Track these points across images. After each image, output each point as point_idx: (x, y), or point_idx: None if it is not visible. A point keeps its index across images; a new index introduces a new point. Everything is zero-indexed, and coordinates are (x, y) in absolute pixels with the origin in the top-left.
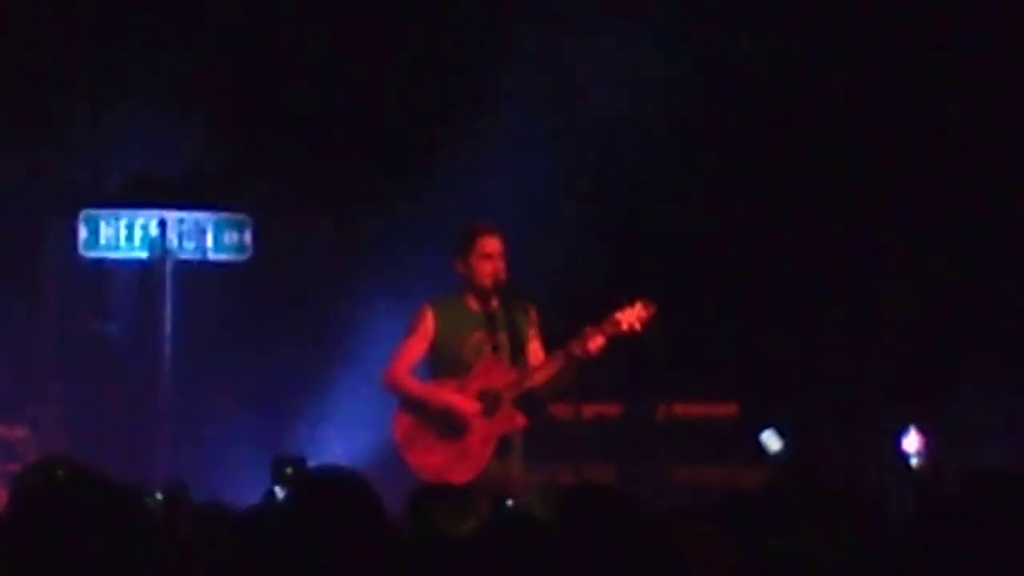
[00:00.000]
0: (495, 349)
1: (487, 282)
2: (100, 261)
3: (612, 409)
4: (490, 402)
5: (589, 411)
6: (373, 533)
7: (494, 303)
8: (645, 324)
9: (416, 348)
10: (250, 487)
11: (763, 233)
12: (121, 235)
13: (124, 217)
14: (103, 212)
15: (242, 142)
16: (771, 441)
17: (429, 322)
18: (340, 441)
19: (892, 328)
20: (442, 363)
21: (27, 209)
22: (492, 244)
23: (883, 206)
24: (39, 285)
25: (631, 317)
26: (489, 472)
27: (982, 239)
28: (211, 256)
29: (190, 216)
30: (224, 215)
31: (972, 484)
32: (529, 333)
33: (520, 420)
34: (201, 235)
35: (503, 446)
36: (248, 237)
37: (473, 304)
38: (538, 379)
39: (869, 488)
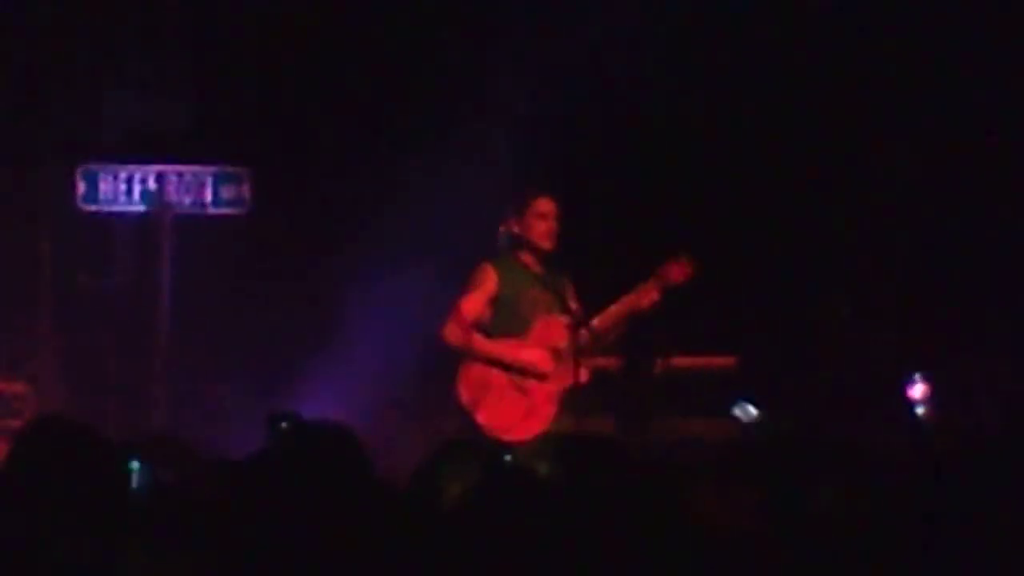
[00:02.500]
0: (548, 306)
1: (543, 241)
2: (98, 215)
3: (611, 363)
4: (554, 359)
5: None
6: (358, 486)
7: (542, 265)
8: (688, 277)
9: (477, 304)
10: (247, 442)
11: (764, 186)
12: (120, 189)
13: (123, 171)
14: (102, 166)
15: (241, 96)
16: (744, 412)
17: (491, 279)
18: (337, 397)
19: (894, 279)
20: (501, 320)
21: (25, 163)
22: (547, 205)
23: (884, 154)
24: (37, 239)
25: (676, 271)
26: (554, 430)
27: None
28: (210, 210)
29: (188, 170)
30: (222, 169)
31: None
32: (569, 294)
33: (584, 375)
34: (200, 189)
35: (567, 403)
36: (246, 191)
37: (527, 262)
38: (596, 334)
39: (875, 438)
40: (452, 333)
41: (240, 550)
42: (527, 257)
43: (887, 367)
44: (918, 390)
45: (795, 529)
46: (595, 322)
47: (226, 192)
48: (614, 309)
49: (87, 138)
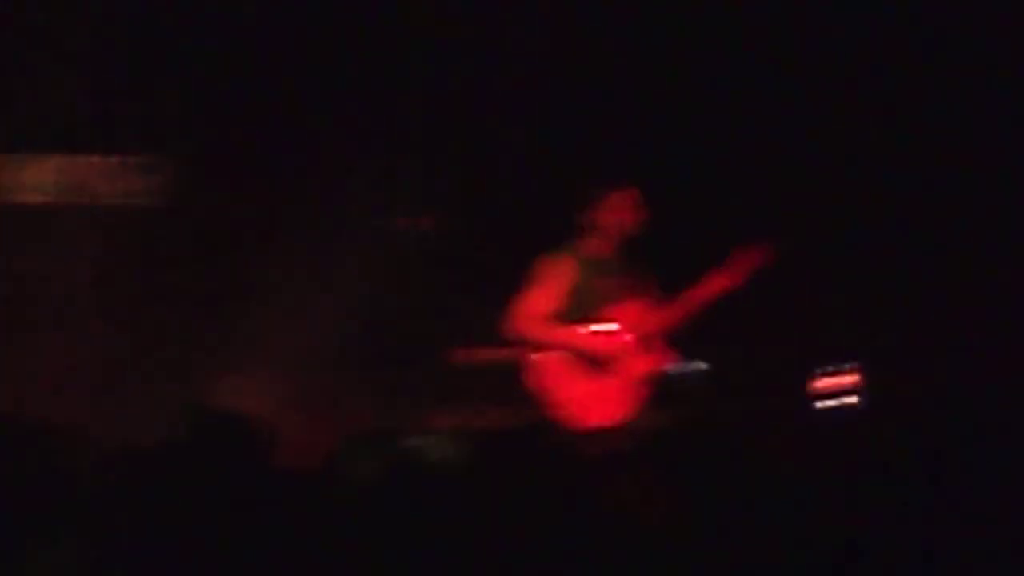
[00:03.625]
0: (624, 292)
1: (628, 232)
2: (6, 207)
3: (512, 353)
4: (640, 342)
5: (492, 355)
6: (261, 476)
7: (616, 252)
8: (756, 270)
9: (551, 298)
10: (161, 433)
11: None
12: (27, 179)
13: (30, 161)
14: (11, 156)
15: (156, 85)
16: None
17: (568, 269)
18: (253, 391)
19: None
20: (578, 309)
21: None
22: (623, 196)
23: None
24: None
25: (756, 257)
26: (642, 417)
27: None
28: (120, 201)
29: (99, 161)
30: (134, 159)
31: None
32: (647, 285)
33: (671, 357)
34: (111, 180)
35: (651, 388)
36: (159, 182)
37: (600, 251)
38: (680, 319)
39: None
40: (524, 327)
41: (140, 538)
42: (599, 245)
43: (815, 354)
44: (849, 378)
45: (708, 519)
46: (677, 306)
47: (137, 183)
48: (697, 293)
49: None
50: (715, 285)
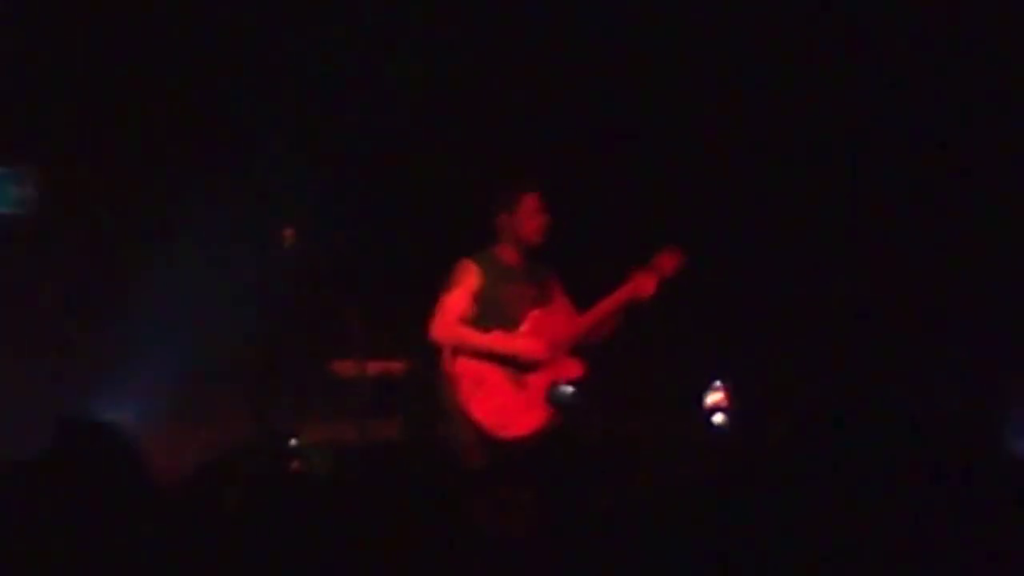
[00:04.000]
0: (533, 300)
1: (535, 238)
2: None
3: (396, 366)
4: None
5: (374, 367)
6: (132, 488)
7: (524, 259)
8: (676, 271)
9: (462, 301)
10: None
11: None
12: None
13: None
14: None
15: (28, 93)
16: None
17: (473, 275)
18: (127, 403)
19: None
20: (488, 315)
21: None
22: (538, 201)
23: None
24: None
25: (667, 264)
26: (550, 426)
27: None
28: None
29: None
30: (4, 170)
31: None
32: (554, 290)
33: (578, 369)
34: None
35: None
36: (32, 192)
37: (508, 258)
38: (591, 327)
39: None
40: (441, 330)
41: (8, 550)
42: (508, 251)
43: (685, 372)
44: (716, 397)
45: (567, 530)
46: (588, 314)
47: (9, 192)
48: (608, 301)
49: None
50: (623, 295)
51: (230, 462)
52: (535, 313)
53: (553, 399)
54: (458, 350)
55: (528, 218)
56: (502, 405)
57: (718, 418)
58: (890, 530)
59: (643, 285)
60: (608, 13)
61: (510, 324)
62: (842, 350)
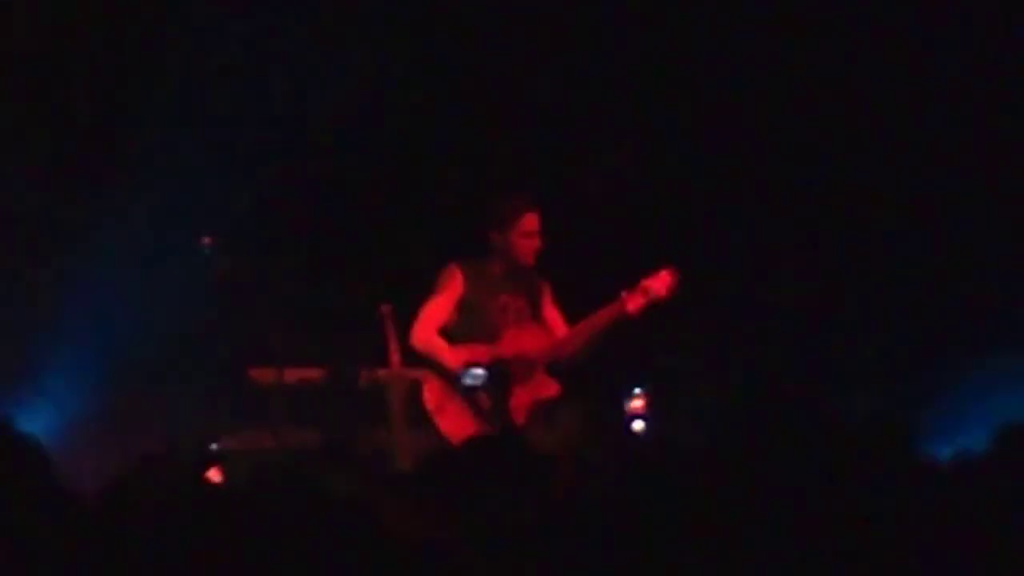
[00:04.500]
0: (519, 314)
1: (527, 259)
2: None
3: (314, 373)
4: (523, 369)
5: (291, 375)
6: (40, 496)
7: (516, 272)
8: (672, 290)
9: (443, 307)
10: None
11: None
12: None
13: None
14: None
15: None
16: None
17: (458, 281)
18: (39, 412)
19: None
20: (468, 325)
21: None
22: (534, 222)
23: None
24: None
25: (660, 283)
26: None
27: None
28: None
29: None
30: None
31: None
32: (545, 301)
33: (553, 388)
34: None
35: (535, 415)
36: None
37: (497, 270)
38: (573, 345)
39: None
40: (417, 337)
41: None
42: (498, 265)
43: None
44: (636, 403)
45: (487, 537)
46: (567, 334)
47: None
48: (591, 321)
49: None
50: (607, 315)
51: (147, 468)
52: (515, 328)
53: (462, 382)
54: (428, 362)
55: (521, 239)
56: (469, 421)
57: (637, 425)
58: (804, 536)
59: (631, 304)
60: (605, 18)
61: (490, 336)
62: (760, 354)
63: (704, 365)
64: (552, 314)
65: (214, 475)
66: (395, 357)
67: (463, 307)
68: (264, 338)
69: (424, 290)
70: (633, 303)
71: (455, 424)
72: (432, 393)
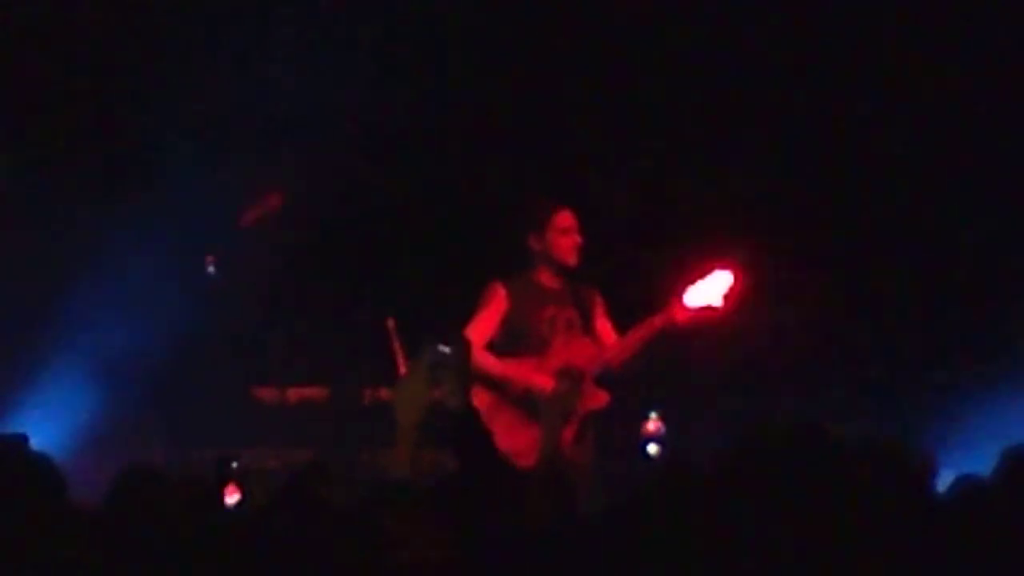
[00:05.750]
0: (569, 324)
1: (568, 257)
2: None
3: (317, 393)
4: (571, 381)
5: (294, 395)
6: (48, 508)
7: (562, 280)
8: (727, 296)
9: (488, 324)
10: None
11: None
12: None
13: None
14: None
15: None
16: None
17: (501, 298)
18: (45, 426)
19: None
20: (516, 340)
21: None
22: (569, 218)
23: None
24: None
25: (714, 289)
26: (565, 456)
27: None
28: None
29: None
30: None
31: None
32: (596, 312)
33: (602, 399)
34: None
35: (583, 428)
36: None
37: (544, 280)
38: (621, 354)
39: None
40: None
41: None
42: (545, 274)
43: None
44: (652, 426)
45: (488, 559)
46: (615, 344)
47: None
48: (639, 329)
49: None
50: (655, 324)
51: (140, 486)
52: (564, 339)
53: (428, 358)
54: (475, 378)
55: (560, 237)
56: (518, 435)
57: (653, 448)
58: (816, 561)
59: (678, 314)
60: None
61: (538, 350)
62: (774, 380)
63: (718, 388)
64: (603, 325)
65: (231, 492)
66: (403, 370)
67: (508, 323)
68: (267, 357)
69: (426, 307)
70: (682, 312)
71: (506, 439)
72: (480, 403)
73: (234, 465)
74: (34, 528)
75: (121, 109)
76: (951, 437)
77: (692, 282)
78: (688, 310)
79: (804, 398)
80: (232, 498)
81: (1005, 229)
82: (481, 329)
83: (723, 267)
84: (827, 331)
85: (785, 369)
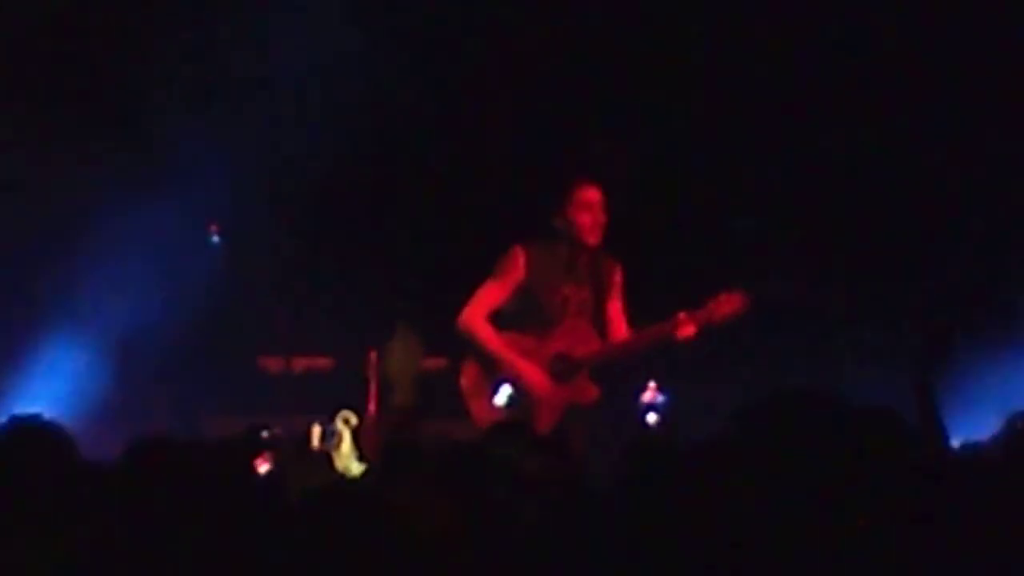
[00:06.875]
0: (581, 308)
1: (588, 235)
2: None
3: (322, 362)
4: (565, 369)
5: (299, 364)
6: (67, 479)
7: (584, 258)
8: (736, 316)
9: (500, 293)
10: None
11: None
12: None
13: None
14: None
15: None
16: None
17: (520, 267)
18: (44, 396)
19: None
20: (525, 313)
21: None
22: (593, 193)
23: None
24: None
25: (724, 308)
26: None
27: None
28: None
29: None
30: None
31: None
32: (612, 292)
33: (592, 393)
34: None
35: (569, 417)
36: None
37: (565, 255)
38: (619, 355)
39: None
40: (463, 319)
41: None
42: (564, 250)
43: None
44: (650, 395)
45: (490, 532)
46: (617, 342)
47: None
48: (642, 335)
49: None
50: (661, 331)
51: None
52: (572, 323)
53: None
54: (470, 346)
55: (582, 213)
56: (499, 415)
57: (652, 417)
58: (823, 529)
59: (681, 329)
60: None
61: (544, 329)
62: (776, 348)
63: (717, 358)
64: (615, 308)
65: (263, 462)
66: (371, 406)
67: (521, 294)
68: (272, 326)
69: (433, 277)
70: (685, 330)
71: (488, 411)
72: (468, 378)
73: (264, 434)
74: (55, 500)
75: (131, 82)
76: (954, 404)
77: (700, 301)
78: (692, 329)
79: (806, 365)
80: (263, 467)
81: (1010, 196)
82: (491, 297)
83: (731, 292)
84: (828, 298)
85: (787, 338)
